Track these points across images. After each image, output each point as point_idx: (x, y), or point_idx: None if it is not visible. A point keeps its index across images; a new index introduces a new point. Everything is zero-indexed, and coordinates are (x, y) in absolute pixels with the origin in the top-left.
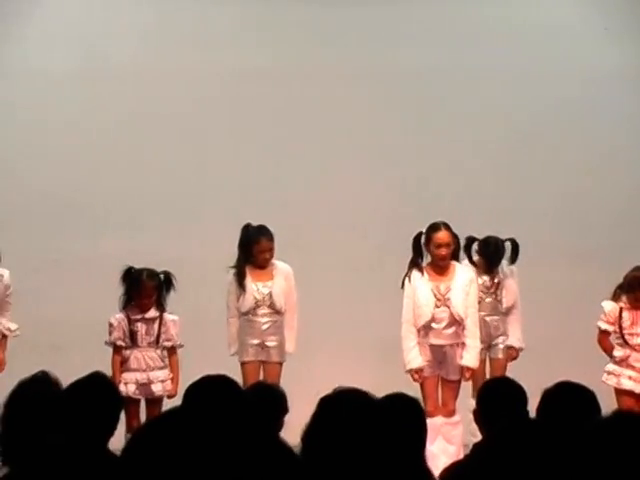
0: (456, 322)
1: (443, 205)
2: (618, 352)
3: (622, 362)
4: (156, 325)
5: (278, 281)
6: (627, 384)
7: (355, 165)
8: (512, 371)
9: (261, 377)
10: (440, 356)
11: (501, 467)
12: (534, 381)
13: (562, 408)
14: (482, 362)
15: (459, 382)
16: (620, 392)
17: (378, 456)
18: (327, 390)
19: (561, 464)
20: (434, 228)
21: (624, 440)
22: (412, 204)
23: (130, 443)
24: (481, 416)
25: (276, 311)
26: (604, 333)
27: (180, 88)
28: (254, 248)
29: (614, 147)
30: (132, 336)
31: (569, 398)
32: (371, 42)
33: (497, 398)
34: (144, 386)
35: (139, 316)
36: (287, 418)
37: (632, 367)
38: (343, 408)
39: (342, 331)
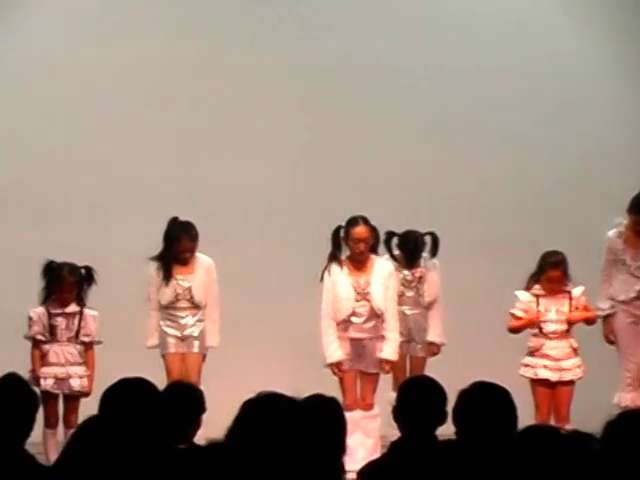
0: (376, 316)
1: (361, 198)
2: (532, 342)
3: (536, 352)
4: (76, 320)
5: (199, 274)
6: (543, 374)
7: (273, 159)
8: (431, 366)
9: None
10: (359, 349)
11: (418, 466)
12: (454, 376)
13: (477, 408)
14: (402, 356)
15: (378, 375)
16: (536, 383)
17: (298, 457)
18: (244, 384)
19: (479, 467)
20: (352, 223)
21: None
22: (331, 197)
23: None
24: (400, 415)
25: (196, 305)
26: (516, 319)
27: (99, 80)
28: (175, 245)
29: (529, 138)
30: (52, 330)
31: (484, 398)
32: (277, 38)
33: (417, 397)
34: (63, 381)
35: (59, 310)
36: (206, 415)
37: (547, 356)
38: (265, 411)
39: (260, 325)
